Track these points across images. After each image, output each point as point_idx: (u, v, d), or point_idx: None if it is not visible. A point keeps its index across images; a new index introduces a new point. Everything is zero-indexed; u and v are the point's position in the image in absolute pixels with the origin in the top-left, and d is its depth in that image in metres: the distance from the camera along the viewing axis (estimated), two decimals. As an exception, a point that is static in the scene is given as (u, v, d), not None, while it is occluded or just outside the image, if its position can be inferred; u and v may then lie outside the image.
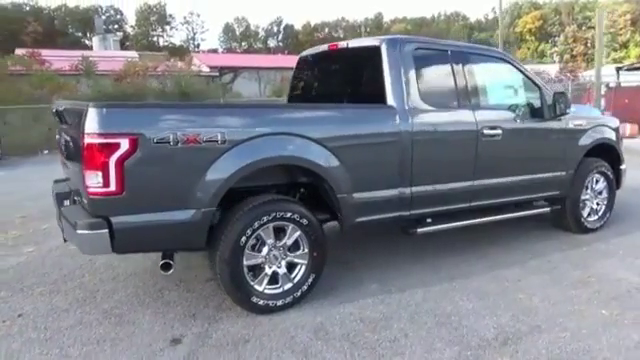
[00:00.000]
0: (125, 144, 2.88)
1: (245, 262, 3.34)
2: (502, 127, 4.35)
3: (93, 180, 2.89)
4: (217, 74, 31.36)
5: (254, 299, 3.38)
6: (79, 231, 2.95)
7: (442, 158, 4.11)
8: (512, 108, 4.53)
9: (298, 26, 78.51)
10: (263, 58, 43.81)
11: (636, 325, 3.28)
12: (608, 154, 5.42)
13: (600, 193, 5.37)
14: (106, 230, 2.92)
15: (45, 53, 28.61)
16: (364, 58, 4.24)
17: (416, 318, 3.41)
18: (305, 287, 3.56)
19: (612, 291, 3.82)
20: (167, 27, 73.00)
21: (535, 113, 4.64)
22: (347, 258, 4.61)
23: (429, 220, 4.21)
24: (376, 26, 75.55)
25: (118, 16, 70.23)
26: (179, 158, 3.05)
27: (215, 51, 65.41)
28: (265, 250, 3.43)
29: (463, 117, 4.19)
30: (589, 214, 5.29)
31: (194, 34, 75.74)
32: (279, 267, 3.49)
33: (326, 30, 76.10)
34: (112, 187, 2.89)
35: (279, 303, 3.47)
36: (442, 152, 4.10)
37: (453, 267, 4.35)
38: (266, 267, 3.45)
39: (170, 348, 3.05)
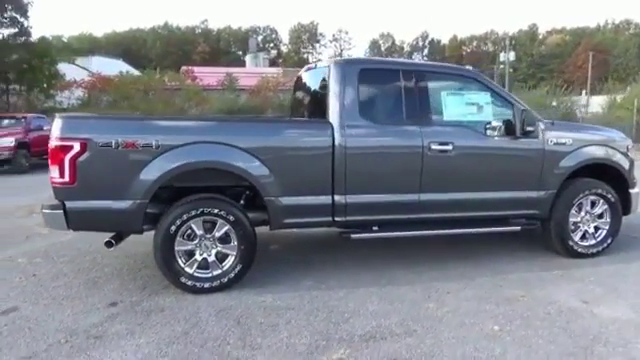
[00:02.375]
0: (77, 146, 3.78)
1: (176, 247, 4.02)
2: (454, 143, 4.45)
3: (54, 172, 3.83)
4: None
5: (182, 279, 4.04)
6: (43, 210, 3.93)
7: (379, 171, 4.36)
8: (473, 124, 4.59)
9: (445, 40, 77.53)
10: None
11: (513, 343, 3.27)
12: (614, 176, 5.08)
13: (600, 217, 5.04)
14: (61, 211, 3.84)
15: (198, 70, 32.43)
16: (322, 78, 4.69)
17: (314, 312, 3.78)
18: (232, 275, 4.13)
19: (530, 311, 3.76)
20: (317, 44, 77.38)
21: (508, 131, 4.62)
22: (310, 259, 5.07)
23: (375, 228, 4.49)
24: (530, 38, 71.31)
25: (273, 35, 76.40)
26: (120, 159, 3.87)
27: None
28: (197, 239, 4.09)
29: (406, 133, 4.40)
30: (583, 237, 5.01)
31: (341, 50, 79.10)
32: (209, 255, 4.12)
33: (474, 44, 73.96)
34: (66, 178, 3.80)
35: (206, 285, 4.08)
36: (379, 165, 4.36)
37: (400, 276, 4.55)
38: (197, 254, 4.10)
39: (104, 309, 3.86)
